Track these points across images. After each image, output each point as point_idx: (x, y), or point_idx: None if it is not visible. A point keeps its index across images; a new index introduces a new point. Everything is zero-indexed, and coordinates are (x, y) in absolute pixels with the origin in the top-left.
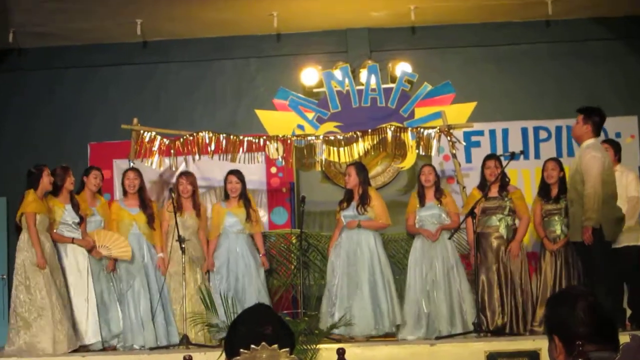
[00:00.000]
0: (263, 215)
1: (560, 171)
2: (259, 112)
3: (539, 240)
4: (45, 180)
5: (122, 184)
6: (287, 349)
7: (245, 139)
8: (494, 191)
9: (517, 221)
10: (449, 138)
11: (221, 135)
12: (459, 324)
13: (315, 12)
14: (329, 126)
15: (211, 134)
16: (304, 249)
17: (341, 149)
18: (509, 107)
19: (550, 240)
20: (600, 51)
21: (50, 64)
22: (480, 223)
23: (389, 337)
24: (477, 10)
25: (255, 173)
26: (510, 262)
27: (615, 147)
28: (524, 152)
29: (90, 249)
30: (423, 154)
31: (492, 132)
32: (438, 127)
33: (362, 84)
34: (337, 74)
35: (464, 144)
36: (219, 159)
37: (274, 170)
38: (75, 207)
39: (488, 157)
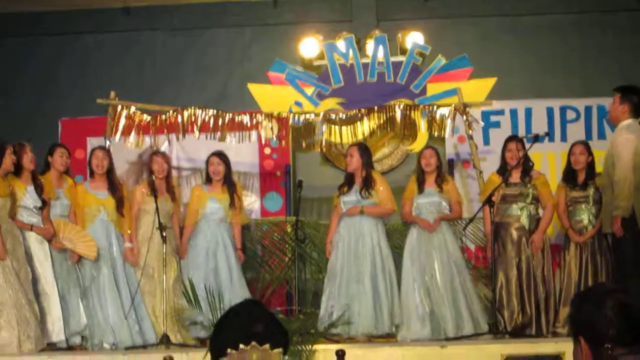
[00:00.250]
0: (255, 200)
1: (588, 156)
2: (252, 87)
3: (563, 231)
4: (8, 160)
5: (89, 163)
6: (280, 350)
7: (236, 116)
8: (515, 176)
9: (540, 210)
10: (465, 117)
11: (209, 112)
12: (466, 325)
13: None
14: (331, 103)
15: (198, 110)
16: (299, 239)
17: (343, 129)
18: (532, 84)
19: (575, 231)
20: (629, 24)
21: (21, 31)
22: (499, 212)
23: (389, 337)
24: None
25: (246, 154)
26: (532, 255)
27: None
28: (549, 134)
29: (50, 239)
30: (436, 134)
31: (514, 112)
32: (453, 105)
33: (368, 57)
34: (340, 45)
35: (482, 124)
36: (206, 138)
37: (267, 151)
38: (38, 188)
39: (509, 139)
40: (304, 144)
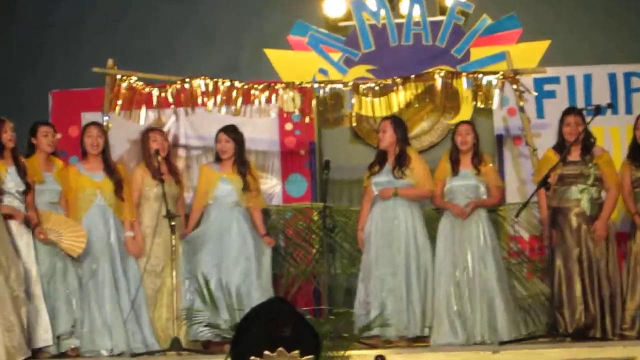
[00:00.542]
0: (275, 184)
1: None
2: (270, 53)
3: (629, 217)
4: None
5: (82, 142)
6: (311, 356)
7: (253, 87)
8: (574, 154)
9: (603, 193)
10: (515, 86)
11: (221, 82)
12: (500, 329)
13: None
14: (360, 70)
15: (209, 81)
16: (328, 228)
17: (376, 100)
18: (592, 47)
19: None
20: None
21: None
22: (557, 195)
23: (420, 340)
24: None
25: (265, 131)
26: (595, 246)
27: None
28: (612, 105)
29: (33, 228)
30: (481, 106)
31: (571, 79)
32: (501, 73)
33: (403, 17)
34: (371, 3)
35: (535, 94)
36: (219, 112)
37: (289, 127)
38: (21, 170)
39: (567, 112)
40: (330, 119)
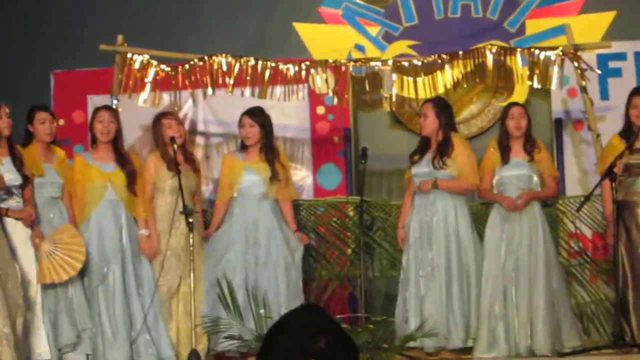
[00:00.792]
0: (306, 176)
1: None
2: (299, 27)
3: None
4: None
5: (91, 128)
6: None
7: (280, 65)
8: None
9: None
10: (576, 64)
11: (245, 60)
12: (550, 340)
13: None
14: (401, 46)
15: (230, 59)
16: (365, 225)
17: (419, 80)
18: None
19: None
20: None
21: None
22: (623, 187)
23: (461, 353)
24: None
25: (294, 115)
26: None
27: None
28: None
29: (32, 225)
30: (538, 86)
31: (639, 55)
32: (560, 48)
33: None
34: None
35: (599, 72)
36: (242, 94)
37: (321, 110)
38: (17, 162)
39: (635, 92)
40: (368, 101)
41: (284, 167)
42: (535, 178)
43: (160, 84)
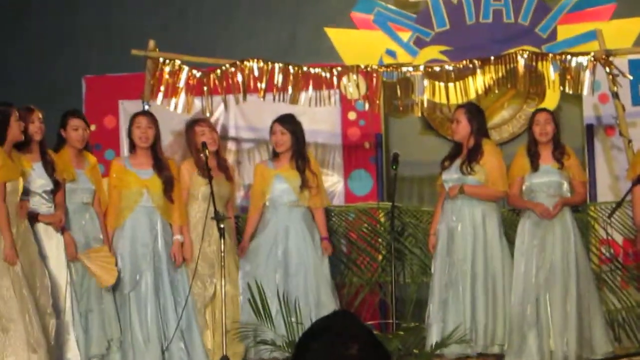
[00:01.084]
0: (337, 181)
1: None
2: (331, 32)
3: None
4: (15, 128)
5: (130, 134)
6: None
7: (311, 70)
8: None
9: None
10: (607, 69)
11: (276, 66)
12: (579, 348)
13: None
14: (433, 52)
15: (262, 64)
16: (397, 231)
17: (450, 85)
18: None
19: None
20: None
21: None
22: None
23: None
24: None
25: (325, 121)
26: None
27: None
28: None
29: (62, 230)
30: (570, 92)
31: None
32: (592, 54)
33: None
34: None
35: (631, 77)
36: (273, 99)
37: (352, 116)
38: (49, 167)
39: None
40: (399, 107)
41: (315, 175)
42: (566, 185)
43: (192, 89)
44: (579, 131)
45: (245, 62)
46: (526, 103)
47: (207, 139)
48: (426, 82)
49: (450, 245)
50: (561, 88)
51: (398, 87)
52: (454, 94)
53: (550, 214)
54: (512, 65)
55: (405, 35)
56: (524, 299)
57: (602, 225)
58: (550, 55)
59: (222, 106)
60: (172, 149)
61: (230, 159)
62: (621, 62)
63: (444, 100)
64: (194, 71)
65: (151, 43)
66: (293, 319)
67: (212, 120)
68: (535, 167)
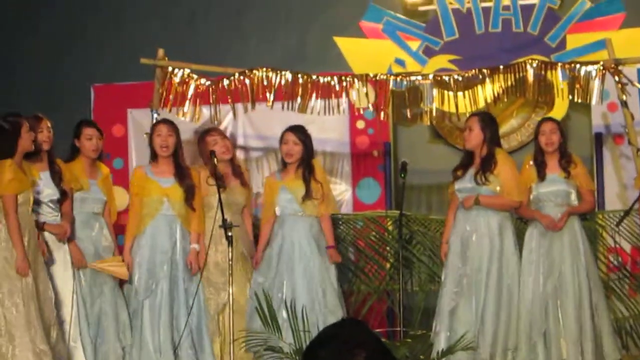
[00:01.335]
0: (345, 190)
1: None
2: (340, 41)
3: None
4: (26, 139)
5: (151, 142)
6: None
7: (320, 79)
8: None
9: None
10: (617, 78)
11: (285, 74)
12: (589, 351)
13: None
14: (442, 61)
15: (271, 73)
16: (404, 239)
17: (459, 94)
18: None
19: None
20: None
21: None
22: None
23: None
24: None
25: (334, 129)
26: None
27: None
28: None
29: (68, 240)
30: (579, 101)
31: None
32: (601, 63)
33: (491, 0)
34: None
35: None
36: (282, 108)
37: (361, 125)
38: (56, 175)
39: None
40: (408, 115)
41: (320, 183)
42: (573, 194)
43: (201, 98)
44: (587, 140)
45: (254, 71)
46: (535, 112)
47: (219, 148)
48: (435, 91)
49: (463, 254)
50: (570, 97)
51: (407, 96)
52: (462, 103)
53: (557, 226)
54: (521, 74)
55: (415, 45)
56: (532, 308)
57: (610, 234)
58: (560, 64)
59: (230, 115)
60: None
61: None
62: (630, 71)
63: (452, 109)
64: (203, 80)
65: (160, 52)
66: (300, 327)
67: (221, 128)
68: (542, 176)
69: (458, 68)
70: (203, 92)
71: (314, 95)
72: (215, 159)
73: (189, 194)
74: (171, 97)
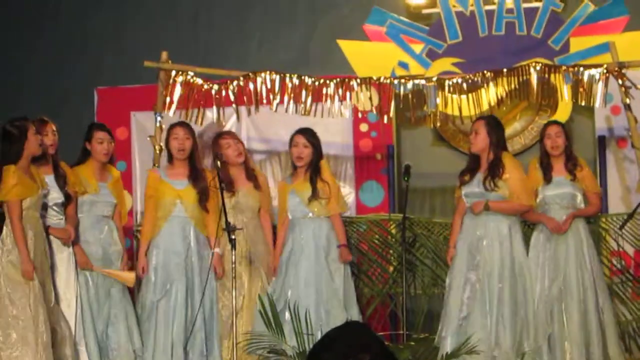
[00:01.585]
0: (349, 193)
1: None
2: (343, 44)
3: None
4: (33, 142)
5: (167, 145)
6: None
7: (324, 83)
8: None
9: None
10: (620, 81)
11: (289, 77)
12: (597, 356)
13: None
14: (445, 64)
15: (274, 76)
16: (408, 243)
17: (463, 97)
18: None
19: None
20: None
21: None
22: None
23: None
24: None
25: (337, 132)
26: None
27: None
28: None
29: (73, 243)
30: (582, 104)
31: None
32: (604, 66)
33: (494, 3)
34: None
35: None
36: (286, 111)
37: (364, 128)
38: (60, 179)
39: None
40: (412, 118)
41: (327, 183)
42: (579, 196)
43: (204, 101)
44: (590, 143)
45: (258, 74)
46: (538, 115)
47: (232, 151)
48: (438, 94)
49: (470, 260)
50: (573, 100)
51: (410, 98)
52: (466, 106)
53: (562, 229)
54: (524, 78)
55: (418, 47)
56: (538, 311)
57: (613, 237)
58: (563, 67)
59: (234, 117)
60: None
61: None
62: (634, 75)
63: (456, 112)
64: (207, 83)
65: (164, 55)
66: (304, 330)
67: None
68: (548, 179)
69: (461, 71)
70: (207, 95)
71: (317, 98)
72: (219, 163)
73: (203, 196)
74: (174, 100)
